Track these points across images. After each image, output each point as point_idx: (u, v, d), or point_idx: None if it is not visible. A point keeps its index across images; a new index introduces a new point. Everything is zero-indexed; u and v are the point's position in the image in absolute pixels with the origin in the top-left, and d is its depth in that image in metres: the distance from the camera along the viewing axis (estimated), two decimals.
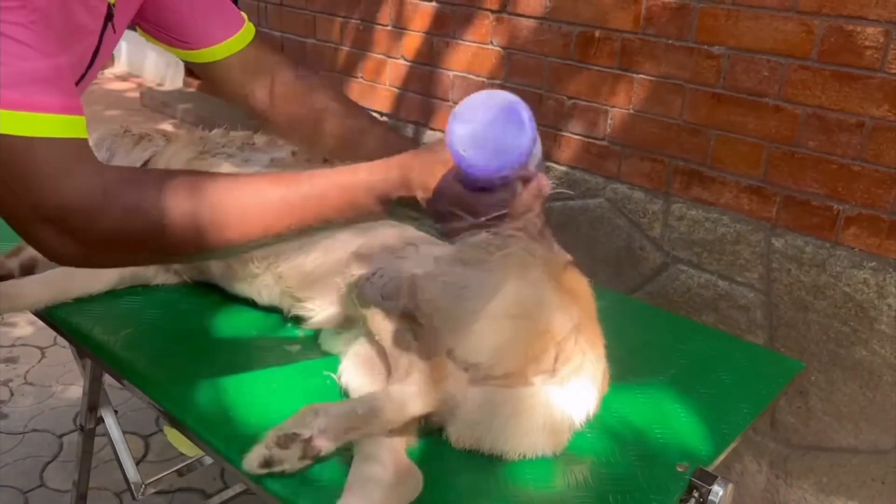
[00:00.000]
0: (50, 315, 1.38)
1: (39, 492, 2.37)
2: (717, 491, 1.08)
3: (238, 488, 2.26)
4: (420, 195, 0.90)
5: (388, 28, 2.93)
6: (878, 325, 1.94)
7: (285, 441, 0.96)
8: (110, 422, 1.81)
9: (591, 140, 2.42)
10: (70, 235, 0.86)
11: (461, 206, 0.88)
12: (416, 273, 1.12)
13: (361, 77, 3.09)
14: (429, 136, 2.89)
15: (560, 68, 2.44)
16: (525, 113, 0.85)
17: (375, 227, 1.35)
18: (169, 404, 1.18)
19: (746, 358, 1.48)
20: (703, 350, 1.48)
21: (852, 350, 1.99)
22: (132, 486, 1.79)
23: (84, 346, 1.32)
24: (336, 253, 1.33)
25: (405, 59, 2.90)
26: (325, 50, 3.21)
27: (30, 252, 1.44)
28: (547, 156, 2.54)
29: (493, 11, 2.56)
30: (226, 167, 1.47)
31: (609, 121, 2.36)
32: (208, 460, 2.06)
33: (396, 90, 2.97)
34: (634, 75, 2.28)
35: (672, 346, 1.47)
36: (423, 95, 2.88)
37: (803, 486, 2.16)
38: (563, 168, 2.50)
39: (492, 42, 2.61)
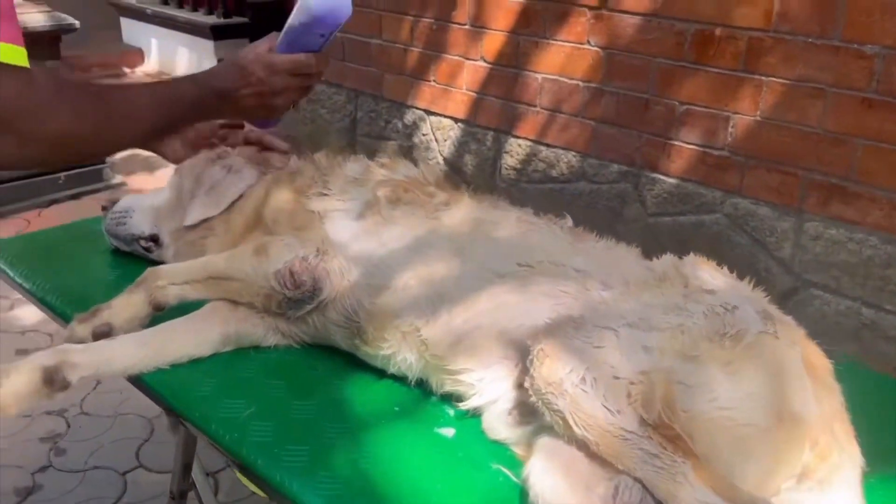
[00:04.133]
0: (152, 387, 1.17)
1: None
2: None
3: None
4: (262, 74, 1.26)
5: (466, 27, 2.69)
6: None
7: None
8: (201, 482, 1.61)
9: (707, 150, 2.18)
10: (14, 136, 0.99)
11: (299, 66, 1.28)
12: (669, 369, 0.89)
13: (434, 80, 2.86)
14: (511, 142, 2.65)
15: (671, 70, 2.20)
16: None
17: (531, 278, 1.12)
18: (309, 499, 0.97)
19: None
20: None
21: None
22: None
23: (203, 431, 1.11)
24: (483, 305, 1.10)
25: (485, 61, 2.66)
26: (392, 51, 2.97)
27: (104, 317, 1.23)
28: (653, 166, 2.31)
29: (590, 8, 2.32)
30: (331, 209, 1.26)
31: (730, 129, 2.12)
32: None
33: (474, 94, 2.73)
34: (763, 78, 2.03)
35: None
36: (505, 100, 2.64)
37: None
38: (672, 180, 2.26)
39: (588, 42, 2.37)
